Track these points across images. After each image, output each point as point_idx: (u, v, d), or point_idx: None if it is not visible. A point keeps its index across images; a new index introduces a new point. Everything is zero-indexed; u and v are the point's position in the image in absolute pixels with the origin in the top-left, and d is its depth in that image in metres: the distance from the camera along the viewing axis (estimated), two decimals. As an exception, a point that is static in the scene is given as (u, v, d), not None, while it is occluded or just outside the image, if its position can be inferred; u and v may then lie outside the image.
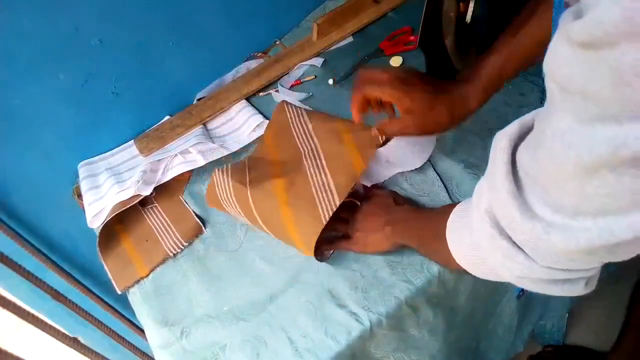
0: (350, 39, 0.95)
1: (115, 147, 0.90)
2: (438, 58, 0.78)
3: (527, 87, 0.73)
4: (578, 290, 0.38)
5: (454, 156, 0.67)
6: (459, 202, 0.49)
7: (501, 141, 0.36)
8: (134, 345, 1.09)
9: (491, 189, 0.37)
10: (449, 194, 0.65)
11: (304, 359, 0.57)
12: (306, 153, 0.72)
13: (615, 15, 0.21)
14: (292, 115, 0.80)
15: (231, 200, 0.69)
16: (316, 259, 0.63)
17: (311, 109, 0.84)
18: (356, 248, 0.63)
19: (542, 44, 0.53)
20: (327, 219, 0.61)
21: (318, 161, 0.68)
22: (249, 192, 0.67)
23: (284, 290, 0.64)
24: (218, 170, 0.72)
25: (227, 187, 0.70)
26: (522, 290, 0.78)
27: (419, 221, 0.58)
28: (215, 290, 0.68)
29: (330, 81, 0.88)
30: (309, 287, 0.63)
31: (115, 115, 0.87)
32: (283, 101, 0.83)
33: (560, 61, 0.26)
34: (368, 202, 0.65)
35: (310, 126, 0.76)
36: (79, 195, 0.85)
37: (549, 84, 0.28)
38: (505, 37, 0.53)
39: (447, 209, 0.49)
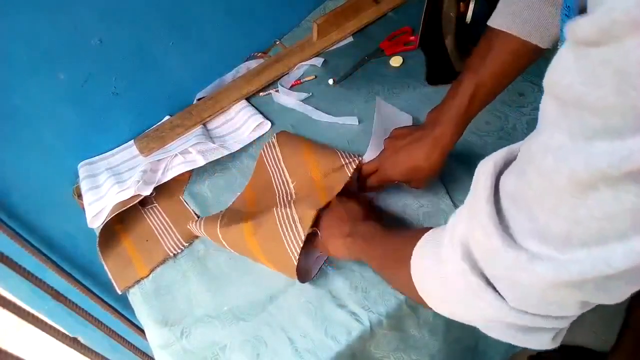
0: (350, 39, 0.95)
1: (115, 147, 0.90)
2: (438, 58, 0.78)
3: (526, 87, 0.73)
4: (545, 342, 0.35)
5: (454, 157, 0.67)
6: (430, 228, 0.45)
7: (485, 165, 0.33)
8: (134, 345, 1.09)
9: (471, 216, 0.33)
10: (451, 199, 0.65)
11: (304, 359, 0.57)
12: (280, 196, 0.72)
13: (630, 1, 0.19)
14: (272, 166, 0.77)
15: (207, 238, 0.71)
16: (304, 281, 0.62)
17: (311, 107, 0.84)
18: (320, 246, 0.62)
19: (506, 76, 0.54)
20: (297, 253, 0.59)
21: (288, 199, 0.67)
22: (219, 235, 0.67)
23: (284, 290, 0.64)
24: (191, 223, 0.73)
25: (201, 233, 0.71)
26: None
27: (383, 242, 0.54)
28: (216, 290, 0.68)
29: (331, 81, 0.88)
30: (309, 287, 0.63)
31: (115, 115, 0.87)
32: (262, 152, 0.79)
33: (562, 71, 0.24)
34: (340, 204, 0.63)
35: (286, 173, 0.74)
36: (79, 195, 0.84)
37: (545, 103, 0.26)
38: (468, 74, 0.55)
39: (417, 234, 0.44)
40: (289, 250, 0.60)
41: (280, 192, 0.73)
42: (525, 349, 1.02)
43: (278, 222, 0.62)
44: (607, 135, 0.22)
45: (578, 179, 0.24)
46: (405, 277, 0.43)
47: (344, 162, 0.67)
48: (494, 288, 0.32)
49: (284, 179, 0.73)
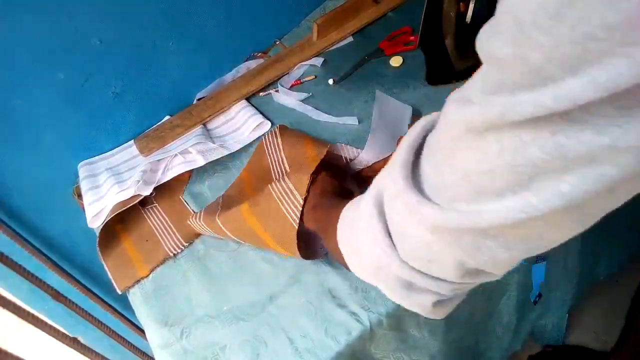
0: (350, 39, 0.95)
1: (115, 147, 0.90)
2: (438, 58, 0.78)
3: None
4: (426, 308, 0.36)
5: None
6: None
7: (419, 120, 0.34)
8: (134, 345, 1.09)
9: (389, 165, 0.35)
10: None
11: (304, 359, 0.57)
12: (275, 176, 0.72)
13: None
14: (272, 155, 0.77)
15: (207, 230, 0.71)
16: (309, 258, 0.62)
17: (311, 107, 0.84)
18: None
19: None
20: (297, 220, 0.59)
21: (283, 177, 0.67)
22: (219, 222, 0.67)
23: (284, 290, 0.64)
24: (191, 218, 0.73)
25: (201, 225, 0.71)
26: (539, 294, 0.77)
27: (330, 209, 0.53)
28: (215, 290, 0.68)
29: (330, 81, 0.88)
30: (309, 287, 0.63)
31: (115, 115, 0.87)
32: (263, 140, 0.80)
33: (485, 26, 0.25)
34: (320, 178, 0.62)
35: (285, 163, 0.74)
36: (79, 195, 0.84)
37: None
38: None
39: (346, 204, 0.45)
40: (289, 218, 0.60)
41: (276, 175, 0.73)
42: (525, 349, 1.02)
43: (275, 196, 0.62)
44: (502, 90, 0.23)
45: (469, 127, 0.25)
46: (334, 240, 0.44)
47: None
48: (391, 237, 0.34)
49: (282, 169, 0.74)
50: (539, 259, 0.71)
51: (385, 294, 0.38)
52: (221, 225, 0.67)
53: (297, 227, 0.59)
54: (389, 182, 0.33)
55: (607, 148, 0.21)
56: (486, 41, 0.24)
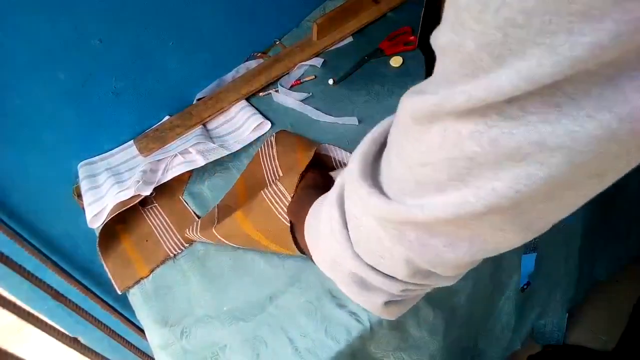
0: (350, 39, 0.95)
1: (115, 147, 0.90)
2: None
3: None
4: (377, 306, 0.36)
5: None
6: None
7: (391, 116, 0.34)
8: (134, 345, 1.09)
9: (351, 158, 0.35)
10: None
11: (304, 358, 0.57)
12: (268, 182, 0.73)
13: None
14: (266, 165, 0.77)
15: (206, 241, 0.71)
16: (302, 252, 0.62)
17: (311, 107, 0.84)
18: None
19: None
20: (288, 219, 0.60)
21: (274, 182, 0.67)
22: (216, 233, 0.67)
23: (284, 290, 0.64)
24: (188, 230, 0.73)
25: (198, 237, 0.71)
26: (528, 283, 0.78)
27: (305, 203, 0.53)
28: (216, 291, 0.68)
29: (330, 81, 0.88)
30: (309, 287, 0.63)
31: (115, 115, 0.87)
32: (259, 150, 0.79)
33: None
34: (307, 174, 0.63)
35: (279, 170, 0.74)
36: (79, 195, 0.85)
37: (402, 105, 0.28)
38: None
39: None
40: (281, 219, 0.60)
41: (269, 182, 0.73)
42: (525, 349, 1.02)
43: (267, 199, 0.62)
44: (446, 80, 0.22)
45: (416, 117, 0.25)
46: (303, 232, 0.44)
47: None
48: (348, 230, 0.34)
49: (276, 177, 0.74)
50: (528, 249, 0.72)
51: (340, 289, 0.38)
52: (218, 236, 0.67)
53: (288, 224, 0.59)
54: (349, 170, 0.33)
55: (537, 146, 0.21)
56: (435, 32, 0.24)
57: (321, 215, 0.38)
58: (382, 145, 0.32)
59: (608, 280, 1.08)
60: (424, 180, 0.26)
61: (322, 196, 0.43)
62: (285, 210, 0.60)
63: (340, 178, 0.36)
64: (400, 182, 0.28)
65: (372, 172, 0.31)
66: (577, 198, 0.24)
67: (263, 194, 0.63)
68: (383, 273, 0.33)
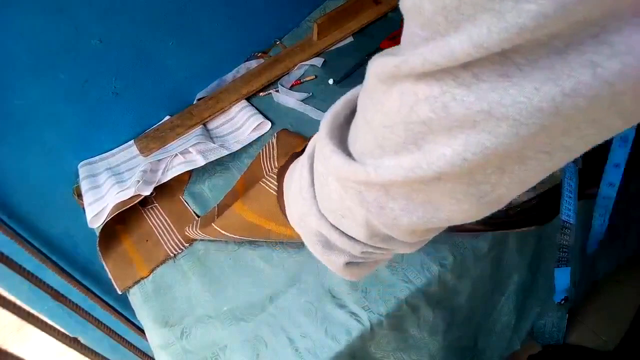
0: (350, 39, 0.95)
1: (115, 147, 0.90)
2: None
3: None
4: (338, 266, 0.37)
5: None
6: None
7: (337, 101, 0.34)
8: (134, 345, 1.09)
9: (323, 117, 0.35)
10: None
11: (304, 359, 0.57)
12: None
13: None
14: (266, 166, 0.77)
15: (206, 237, 0.71)
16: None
17: (311, 107, 0.84)
18: None
19: None
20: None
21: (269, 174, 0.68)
22: (216, 227, 0.67)
23: (284, 290, 0.64)
24: (188, 228, 0.73)
25: (198, 233, 0.71)
26: (565, 298, 0.76)
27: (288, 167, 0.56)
28: (216, 291, 0.68)
29: (331, 81, 0.88)
30: (309, 287, 0.63)
31: (115, 115, 0.87)
32: (261, 152, 0.80)
33: None
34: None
35: (276, 160, 0.75)
36: (79, 195, 0.85)
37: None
38: None
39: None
40: (273, 193, 0.60)
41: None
42: (525, 349, 1.02)
43: (263, 183, 0.63)
44: (408, 43, 0.23)
45: (380, 77, 0.25)
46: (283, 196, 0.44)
47: None
48: (313, 188, 0.34)
49: (273, 169, 0.74)
50: (560, 262, 0.70)
51: (307, 246, 0.39)
52: (218, 229, 0.67)
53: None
54: (319, 132, 0.33)
55: (485, 114, 0.21)
56: None
57: (294, 174, 0.39)
58: (354, 109, 0.32)
59: (608, 280, 1.08)
60: (384, 143, 0.26)
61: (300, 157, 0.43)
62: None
63: (314, 138, 0.37)
64: (363, 143, 0.28)
65: (341, 133, 0.32)
66: (528, 174, 0.24)
67: (261, 182, 0.64)
68: (345, 233, 0.34)
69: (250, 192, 0.65)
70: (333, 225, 0.34)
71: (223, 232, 0.67)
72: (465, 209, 0.27)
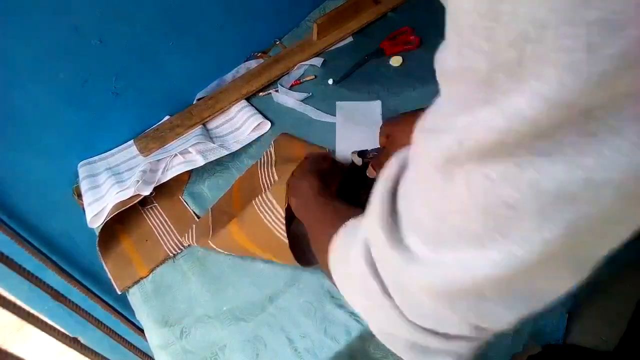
0: (350, 39, 0.95)
1: (115, 147, 0.90)
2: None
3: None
4: None
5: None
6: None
7: (395, 157, 0.30)
8: (134, 345, 1.09)
9: (367, 212, 0.30)
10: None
11: (303, 359, 0.57)
12: (263, 190, 0.73)
13: None
14: (263, 174, 0.77)
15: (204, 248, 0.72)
16: (309, 265, 0.62)
17: (311, 107, 0.84)
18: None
19: None
20: (282, 231, 0.59)
21: (264, 192, 0.66)
22: (212, 244, 0.68)
23: (284, 290, 0.64)
24: (185, 236, 0.73)
25: (195, 245, 0.72)
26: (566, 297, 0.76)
27: (319, 209, 0.50)
28: (215, 291, 0.68)
29: (330, 81, 0.88)
30: (309, 288, 0.63)
31: (115, 115, 0.87)
32: (259, 161, 0.80)
33: (440, 51, 0.22)
34: (312, 156, 0.62)
35: (275, 177, 0.74)
36: (79, 195, 0.85)
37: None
38: None
39: (343, 216, 0.40)
40: (275, 232, 0.60)
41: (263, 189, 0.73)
42: (525, 349, 1.02)
43: (257, 209, 0.62)
44: (456, 109, 0.20)
45: (435, 164, 0.22)
46: (326, 262, 0.40)
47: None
48: (392, 297, 0.29)
49: (271, 179, 0.74)
50: None
51: (400, 355, 0.33)
52: (215, 247, 0.68)
53: (285, 240, 0.59)
54: (373, 236, 0.29)
55: (584, 183, 0.18)
56: (437, 59, 0.22)
57: (355, 283, 0.32)
58: (394, 191, 0.29)
59: (608, 280, 1.08)
60: (460, 232, 0.23)
61: (341, 238, 0.37)
62: (275, 220, 0.59)
63: (361, 236, 0.31)
64: (434, 235, 0.24)
65: (395, 224, 0.27)
66: (631, 228, 0.21)
67: (254, 203, 0.63)
68: (446, 334, 0.28)
69: (245, 214, 0.64)
70: (429, 330, 0.28)
71: (218, 249, 0.68)
72: (567, 282, 0.24)
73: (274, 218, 0.60)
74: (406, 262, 0.26)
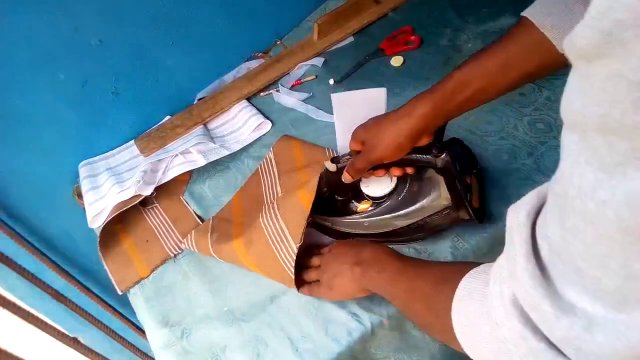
0: (351, 39, 0.95)
1: (115, 147, 0.90)
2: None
3: (527, 87, 0.73)
4: None
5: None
6: (459, 265, 0.38)
7: (518, 215, 0.28)
8: (134, 345, 1.09)
9: (512, 277, 0.28)
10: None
11: (304, 359, 0.57)
12: (267, 203, 0.71)
13: None
14: (266, 181, 0.77)
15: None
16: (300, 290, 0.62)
17: (312, 107, 0.84)
18: (322, 293, 0.58)
19: (504, 74, 0.48)
20: (291, 266, 0.59)
21: (272, 209, 0.64)
22: (214, 254, 0.67)
23: (285, 290, 0.64)
24: (185, 241, 0.73)
25: (196, 251, 0.71)
26: None
27: (403, 275, 0.48)
28: (216, 291, 0.68)
29: (331, 81, 0.88)
30: (310, 288, 0.63)
31: (116, 115, 0.87)
32: (259, 166, 0.79)
33: (570, 94, 0.20)
34: (339, 241, 0.61)
35: (279, 187, 0.74)
36: (80, 195, 0.84)
37: (565, 136, 0.22)
38: (458, 69, 0.50)
39: (446, 274, 0.38)
40: (284, 266, 0.59)
41: (267, 202, 0.72)
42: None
43: (269, 238, 0.61)
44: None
45: (625, 227, 0.19)
46: (442, 328, 0.36)
47: (327, 154, 0.68)
48: (563, 354, 0.26)
49: (274, 191, 0.74)
50: None
51: None
52: (216, 257, 0.67)
53: (292, 276, 0.58)
54: (528, 301, 0.26)
55: None
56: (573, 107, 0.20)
57: (504, 340, 0.29)
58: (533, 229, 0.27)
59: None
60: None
61: (460, 304, 0.35)
62: (287, 256, 0.58)
63: (506, 294, 0.28)
64: (615, 293, 0.22)
65: (549, 285, 0.25)
66: None
67: (262, 224, 0.62)
68: None
69: (252, 234, 0.63)
70: None
71: (219, 259, 0.68)
72: None
73: (285, 252, 0.59)
74: (587, 330, 0.23)
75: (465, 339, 0.34)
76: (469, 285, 0.34)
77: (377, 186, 0.60)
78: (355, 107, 0.68)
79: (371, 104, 0.62)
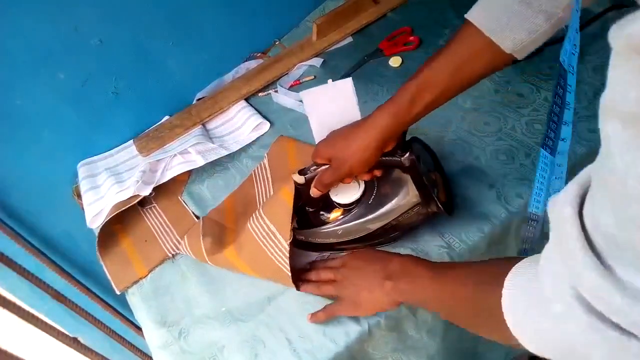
0: (349, 39, 0.95)
1: (114, 147, 0.90)
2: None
3: (525, 88, 0.73)
4: None
5: (453, 158, 0.67)
6: (491, 263, 0.39)
7: (563, 210, 0.28)
8: (134, 345, 1.09)
9: (571, 272, 0.28)
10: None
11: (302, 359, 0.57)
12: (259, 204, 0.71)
13: None
14: (259, 186, 0.76)
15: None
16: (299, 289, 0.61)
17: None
18: (347, 311, 0.57)
19: (460, 75, 0.52)
20: (285, 263, 0.58)
21: (258, 211, 0.64)
22: (209, 261, 0.67)
23: (283, 291, 0.64)
24: (180, 245, 0.72)
25: (191, 256, 0.70)
26: None
27: (436, 282, 0.48)
28: (214, 291, 0.68)
29: (330, 81, 0.87)
30: (308, 288, 0.63)
31: (115, 115, 0.87)
32: (254, 171, 0.79)
33: (623, 86, 0.21)
34: (354, 252, 0.60)
35: (272, 190, 0.74)
36: (79, 195, 0.85)
37: (609, 129, 0.23)
38: (416, 73, 0.55)
39: (484, 275, 0.38)
40: (278, 265, 0.59)
41: (260, 205, 0.72)
42: (526, 351, 1.02)
43: (257, 238, 0.61)
44: None
45: None
46: (495, 327, 0.36)
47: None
48: (637, 336, 0.26)
49: (268, 197, 0.74)
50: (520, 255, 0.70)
51: None
52: (210, 263, 0.67)
53: (289, 273, 0.58)
54: (594, 294, 0.27)
55: None
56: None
57: (572, 334, 0.29)
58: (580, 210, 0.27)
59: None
60: None
61: (512, 306, 0.35)
62: (279, 253, 0.58)
63: (562, 292, 0.29)
64: None
65: (617, 278, 0.25)
66: None
67: (250, 228, 0.62)
68: None
69: (242, 238, 0.63)
70: None
71: (213, 265, 0.67)
72: None
73: (277, 251, 0.59)
74: None
75: (526, 337, 0.35)
76: (517, 282, 0.35)
77: (346, 193, 0.61)
78: (326, 102, 0.68)
79: (340, 96, 0.62)
